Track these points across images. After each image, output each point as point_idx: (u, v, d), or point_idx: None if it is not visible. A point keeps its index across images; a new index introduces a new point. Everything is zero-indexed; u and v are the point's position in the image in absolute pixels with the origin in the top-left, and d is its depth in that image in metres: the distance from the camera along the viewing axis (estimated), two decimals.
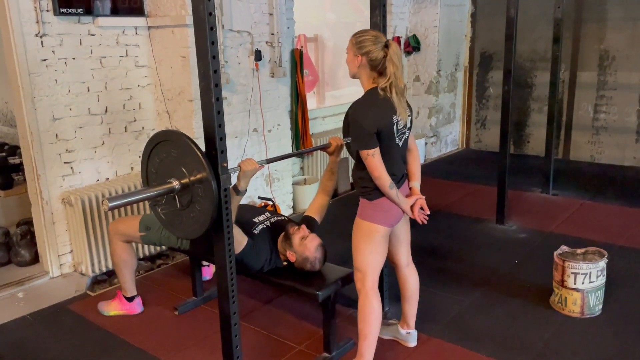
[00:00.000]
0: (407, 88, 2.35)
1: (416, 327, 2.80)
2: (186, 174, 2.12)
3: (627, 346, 2.75)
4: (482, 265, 3.74)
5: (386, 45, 2.28)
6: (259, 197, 4.33)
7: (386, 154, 2.33)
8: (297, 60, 4.64)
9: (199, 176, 2.07)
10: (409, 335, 2.79)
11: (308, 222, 2.89)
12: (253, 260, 2.70)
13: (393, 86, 2.28)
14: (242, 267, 2.62)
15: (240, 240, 2.60)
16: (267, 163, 2.60)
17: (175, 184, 2.14)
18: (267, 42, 4.24)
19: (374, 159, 2.28)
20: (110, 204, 1.98)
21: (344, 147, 2.83)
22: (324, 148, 2.81)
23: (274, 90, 4.39)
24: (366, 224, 2.43)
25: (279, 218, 2.99)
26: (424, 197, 2.50)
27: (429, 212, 2.49)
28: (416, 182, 2.54)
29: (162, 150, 2.23)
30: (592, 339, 2.82)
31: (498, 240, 4.18)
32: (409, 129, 2.46)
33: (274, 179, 4.53)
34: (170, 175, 2.17)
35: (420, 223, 2.48)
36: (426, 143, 6.72)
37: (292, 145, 4.78)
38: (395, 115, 2.31)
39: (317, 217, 2.96)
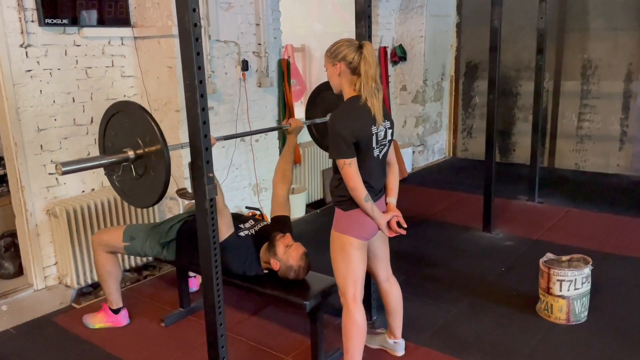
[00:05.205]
0: (381, 89, 2.33)
1: (403, 336, 2.81)
2: (141, 144, 2.20)
3: (612, 352, 2.78)
4: (469, 273, 3.75)
5: (360, 46, 2.28)
6: (247, 207, 4.32)
7: (364, 165, 2.30)
8: (284, 70, 4.65)
9: (153, 148, 2.15)
10: (397, 345, 2.79)
11: (283, 222, 2.89)
12: (232, 255, 2.67)
13: (365, 86, 2.25)
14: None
15: (224, 231, 2.61)
16: (225, 140, 2.68)
17: (130, 153, 2.22)
18: (254, 52, 4.25)
19: (350, 168, 2.25)
20: (64, 169, 2.03)
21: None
22: (283, 128, 2.94)
23: (261, 100, 4.40)
24: (339, 236, 2.39)
25: (264, 224, 2.98)
26: (401, 214, 2.46)
27: (406, 226, 2.45)
28: (393, 198, 2.50)
29: (117, 122, 2.31)
30: (578, 346, 2.84)
31: (485, 248, 4.20)
32: (390, 141, 2.43)
33: (261, 189, 4.52)
34: (126, 145, 2.24)
35: (394, 235, 2.45)
36: (413, 152, 6.76)
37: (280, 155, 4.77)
38: (375, 125, 2.30)
39: (287, 213, 2.96)
